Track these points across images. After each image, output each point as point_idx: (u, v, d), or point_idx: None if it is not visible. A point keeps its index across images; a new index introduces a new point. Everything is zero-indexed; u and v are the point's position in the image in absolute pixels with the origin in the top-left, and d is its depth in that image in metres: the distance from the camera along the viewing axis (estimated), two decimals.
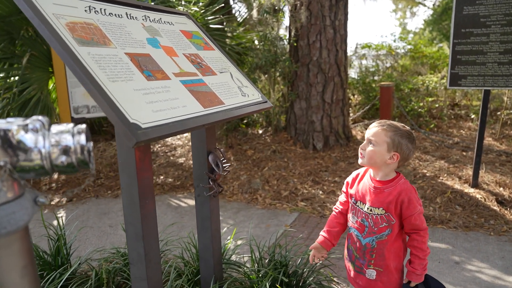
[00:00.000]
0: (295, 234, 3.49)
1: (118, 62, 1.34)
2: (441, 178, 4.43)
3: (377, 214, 1.62)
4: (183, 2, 5.07)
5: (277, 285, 1.91)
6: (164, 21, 1.86)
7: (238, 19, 6.77)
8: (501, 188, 4.11)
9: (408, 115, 6.73)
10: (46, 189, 4.77)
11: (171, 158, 5.63)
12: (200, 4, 4.91)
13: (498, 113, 6.66)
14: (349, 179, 1.83)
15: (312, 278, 2.19)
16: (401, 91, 7.39)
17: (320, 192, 4.30)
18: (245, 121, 5.97)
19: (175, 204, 4.31)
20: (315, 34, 5.20)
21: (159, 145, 6.15)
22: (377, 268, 1.66)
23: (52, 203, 4.38)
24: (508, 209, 3.73)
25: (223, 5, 5.38)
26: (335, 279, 2.61)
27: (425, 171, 4.68)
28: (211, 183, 1.91)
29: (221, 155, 1.97)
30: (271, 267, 2.10)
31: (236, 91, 1.84)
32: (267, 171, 4.80)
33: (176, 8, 4.51)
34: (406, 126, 1.65)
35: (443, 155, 5.23)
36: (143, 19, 1.71)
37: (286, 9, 5.54)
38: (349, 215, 1.77)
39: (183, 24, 2.01)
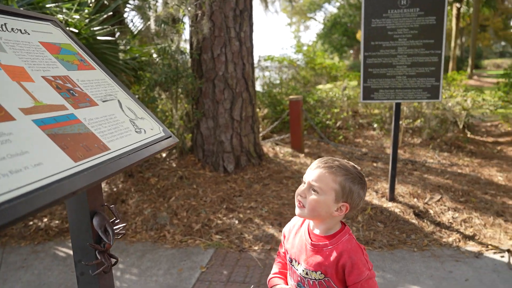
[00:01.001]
0: (214, 277, 3.00)
1: None
2: None
3: (315, 279, 1.25)
4: (64, 10, 4.29)
5: None
6: (12, 28, 1.26)
7: (133, 30, 6.09)
8: (415, 199, 4.10)
9: (317, 127, 6.69)
10: None
11: None
12: (85, 11, 4.19)
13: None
14: (285, 228, 1.45)
15: None
16: (307, 103, 7.37)
17: (236, 221, 3.86)
18: None
19: (63, 254, 3.52)
20: (219, 47, 4.80)
21: None
22: None
23: None
24: (425, 221, 3.70)
25: (112, 13, 4.70)
26: None
27: None
28: (99, 257, 1.35)
29: (112, 212, 1.42)
30: None
31: (127, 127, 1.32)
32: (174, 201, 4.22)
33: (55, 17, 3.72)
34: (355, 166, 1.28)
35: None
36: None
37: (187, 20, 5.07)
38: (288, 274, 1.38)
39: (46, 33, 1.42)
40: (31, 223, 3.99)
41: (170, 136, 1.49)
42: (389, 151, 5.96)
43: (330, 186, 1.20)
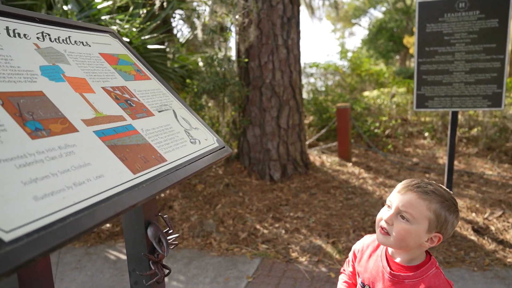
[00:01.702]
0: None
1: None
2: None
3: None
4: (117, 21, 4.46)
5: None
6: (75, 41, 1.29)
7: (181, 40, 6.24)
8: (474, 214, 3.85)
9: (365, 135, 6.50)
10: None
11: None
12: (136, 21, 4.33)
13: None
14: (357, 247, 1.32)
15: None
16: (354, 110, 7.20)
17: (283, 231, 3.80)
18: None
19: (113, 257, 3.61)
20: (267, 55, 4.78)
21: None
22: None
23: None
24: (486, 238, 3.46)
25: (161, 22, 4.82)
26: None
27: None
28: (152, 267, 1.34)
29: (166, 223, 1.42)
30: None
31: (182, 138, 1.31)
32: (220, 208, 4.23)
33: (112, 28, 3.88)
34: (449, 191, 1.15)
35: (406, 178, 4.96)
36: (38, 38, 1.14)
37: (234, 28, 5.10)
38: None
39: (105, 45, 1.45)
40: None
41: (224, 147, 1.47)
42: (442, 161, 5.68)
43: (424, 214, 1.07)
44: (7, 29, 1.07)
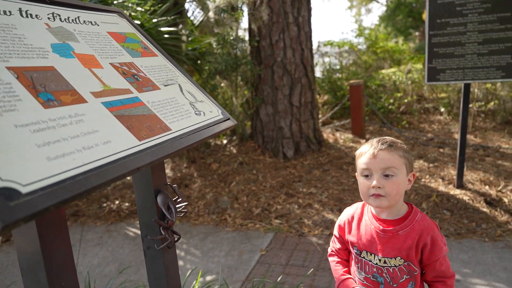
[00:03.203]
0: (273, 260, 3.05)
1: None
2: (423, 180, 4.13)
3: (394, 265, 1.21)
4: (129, 5, 4.52)
5: None
6: (84, 21, 1.37)
7: (194, 22, 6.26)
8: (487, 187, 3.85)
9: (379, 112, 6.47)
10: None
11: (128, 178, 5.06)
12: (147, 3, 4.37)
13: (470, 105, 6.52)
14: (341, 221, 1.38)
15: None
16: (368, 88, 7.14)
17: (296, 206, 3.88)
18: None
19: (133, 234, 3.77)
20: (277, 33, 4.79)
21: None
22: None
23: None
24: (498, 210, 3.47)
25: (171, 4, 4.86)
26: None
27: None
28: (163, 233, 1.44)
29: (175, 192, 1.50)
30: None
31: (187, 110, 1.38)
32: (235, 186, 4.33)
33: (120, 8, 3.92)
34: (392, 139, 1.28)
35: (420, 153, 4.96)
36: (49, 18, 1.22)
37: (245, 8, 5.11)
38: (353, 269, 1.34)
39: (113, 24, 1.52)
40: (104, 205, 4.31)
41: (229, 119, 1.54)
42: (457, 136, 5.62)
43: (401, 162, 1.19)
44: (20, 10, 1.14)
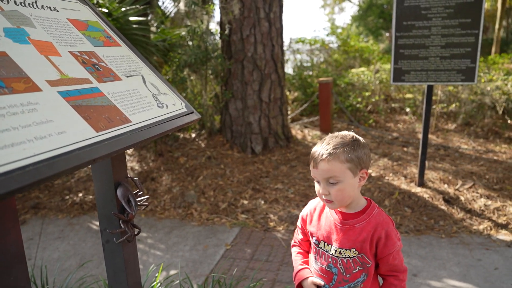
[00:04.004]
0: (238, 255, 3.07)
1: None
2: (386, 178, 4.24)
3: (349, 257, 1.24)
4: None
5: None
6: (42, 6, 1.32)
7: (165, 12, 6.16)
8: (446, 185, 4.00)
9: (347, 110, 6.59)
10: None
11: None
12: None
13: (433, 106, 6.74)
14: (304, 213, 1.42)
15: None
16: (338, 86, 7.26)
17: (262, 201, 3.91)
18: None
19: (96, 227, 3.69)
20: (248, 28, 4.78)
21: None
22: None
23: None
24: (455, 207, 3.61)
25: None
26: None
27: (370, 170, 4.48)
28: (122, 226, 1.41)
29: (136, 185, 1.48)
30: None
31: (149, 102, 1.36)
32: (202, 180, 4.31)
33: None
34: (345, 133, 1.27)
35: (385, 152, 5.09)
36: (1, 1, 1.16)
37: (217, 1, 5.06)
38: (310, 259, 1.37)
39: (74, 11, 1.47)
40: (67, 197, 4.19)
41: (193, 112, 1.53)
42: (420, 135, 5.81)
43: (342, 168, 1.18)
44: None
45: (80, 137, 0.97)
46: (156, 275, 2.19)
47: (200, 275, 2.80)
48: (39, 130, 0.89)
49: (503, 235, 3.18)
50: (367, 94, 7.07)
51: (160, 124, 1.29)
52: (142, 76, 1.46)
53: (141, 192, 1.49)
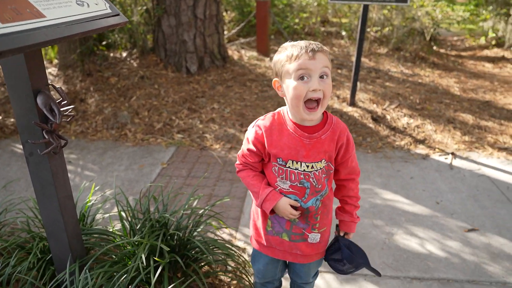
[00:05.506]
0: (174, 173, 3.08)
1: None
2: None
3: (319, 168, 1.26)
4: None
5: (156, 258, 1.51)
6: None
7: None
8: (375, 105, 4.22)
9: (284, 31, 6.50)
10: None
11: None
12: None
13: (368, 29, 6.85)
14: (257, 135, 1.28)
15: (197, 234, 1.84)
16: (275, 6, 7.07)
17: (198, 121, 3.88)
18: (104, 42, 5.02)
19: (21, 151, 3.47)
20: None
21: None
22: (322, 229, 1.37)
23: None
24: (381, 125, 3.85)
25: None
26: (224, 228, 2.33)
27: None
28: (46, 137, 1.33)
29: (59, 93, 1.37)
30: (147, 231, 1.67)
31: None
32: (135, 101, 4.14)
33: None
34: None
35: None
36: None
37: None
38: (277, 182, 1.30)
39: None
40: None
41: (118, 14, 1.40)
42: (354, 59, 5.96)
43: (330, 63, 1.18)
44: None
45: None
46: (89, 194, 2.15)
47: (136, 193, 2.79)
48: None
49: (420, 149, 3.49)
50: (305, 15, 6.98)
51: (82, 23, 1.17)
52: None
53: (65, 102, 1.39)
